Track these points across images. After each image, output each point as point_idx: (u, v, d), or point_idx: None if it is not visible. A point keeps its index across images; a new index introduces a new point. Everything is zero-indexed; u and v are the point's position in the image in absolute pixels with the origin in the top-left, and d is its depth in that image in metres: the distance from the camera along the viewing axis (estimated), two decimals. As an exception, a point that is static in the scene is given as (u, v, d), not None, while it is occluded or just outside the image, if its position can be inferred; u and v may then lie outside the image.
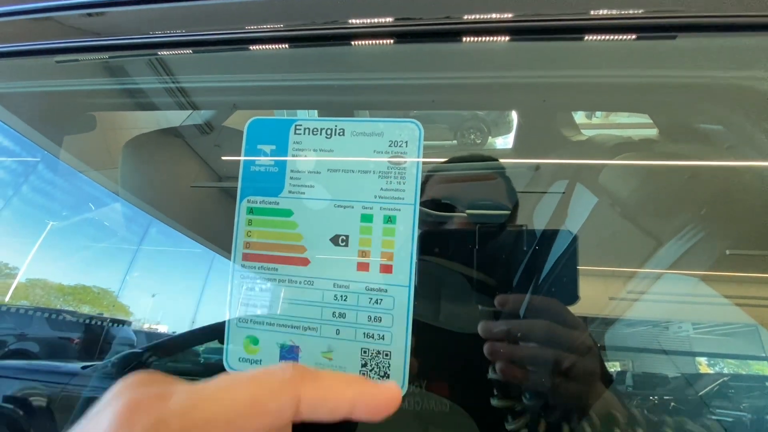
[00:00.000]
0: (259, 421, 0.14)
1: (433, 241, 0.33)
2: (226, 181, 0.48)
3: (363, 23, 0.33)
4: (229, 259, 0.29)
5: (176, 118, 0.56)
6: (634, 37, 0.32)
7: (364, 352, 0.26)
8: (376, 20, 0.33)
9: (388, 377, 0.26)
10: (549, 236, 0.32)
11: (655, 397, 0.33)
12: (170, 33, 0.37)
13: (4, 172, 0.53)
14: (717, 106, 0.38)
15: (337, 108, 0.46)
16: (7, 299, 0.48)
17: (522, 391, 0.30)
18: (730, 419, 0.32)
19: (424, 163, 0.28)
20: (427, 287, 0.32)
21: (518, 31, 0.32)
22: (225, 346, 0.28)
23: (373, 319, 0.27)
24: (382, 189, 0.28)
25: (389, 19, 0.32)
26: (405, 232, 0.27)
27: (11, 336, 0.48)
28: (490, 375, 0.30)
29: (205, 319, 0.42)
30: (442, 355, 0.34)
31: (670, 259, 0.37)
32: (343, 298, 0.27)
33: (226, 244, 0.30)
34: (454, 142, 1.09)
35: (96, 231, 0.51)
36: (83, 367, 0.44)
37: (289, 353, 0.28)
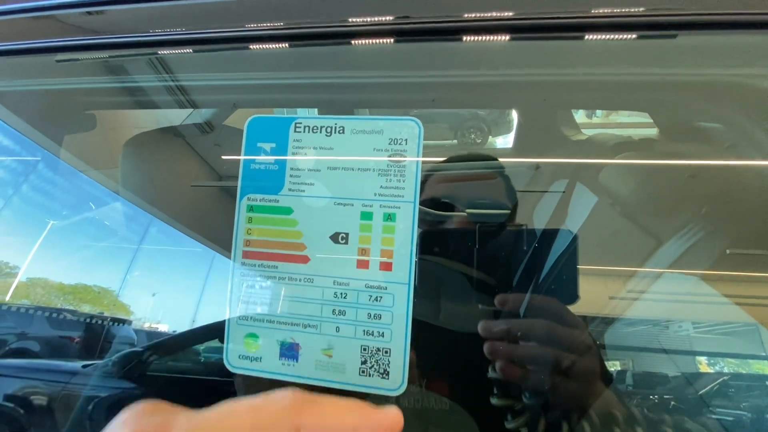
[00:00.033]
0: None
1: (433, 240, 0.33)
2: (226, 180, 0.48)
3: (363, 21, 0.33)
4: (229, 257, 0.29)
5: (177, 117, 0.56)
6: (634, 35, 0.32)
7: (364, 349, 0.27)
8: (376, 18, 0.33)
9: (387, 374, 0.26)
10: (549, 235, 0.32)
11: (656, 397, 0.33)
12: (170, 31, 0.37)
13: (5, 171, 0.53)
14: (717, 104, 0.38)
15: (337, 107, 0.46)
16: (7, 298, 0.48)
17: (522, 390, 0.30)
18: (731, 418, 0.32)
19: (423, 161, 0.28)
20: (427, 287, 0.32)
21: (519, 29, 0.32)
22: (225, 343, 0.28)
23: (372, 316, 0.27)
24: (381, 187, 0.28)
25: (389, 18, 0.32)
26: (405, 229, 0.27)
27: (12, 335, 0.48)
28: (490, 374, 0.30)
29: (205, 318, 0.42)
30: (442, 354, 0.34)
31: (670, 258, 0.37)
32: (343, 295, 0.27)
33: (226, 243, 0.30)
34: (455, 141, 1.09)
35: (96, 230, 0.51)
36: (84, 366, 0.45)
37: (289, 350, 0.28)
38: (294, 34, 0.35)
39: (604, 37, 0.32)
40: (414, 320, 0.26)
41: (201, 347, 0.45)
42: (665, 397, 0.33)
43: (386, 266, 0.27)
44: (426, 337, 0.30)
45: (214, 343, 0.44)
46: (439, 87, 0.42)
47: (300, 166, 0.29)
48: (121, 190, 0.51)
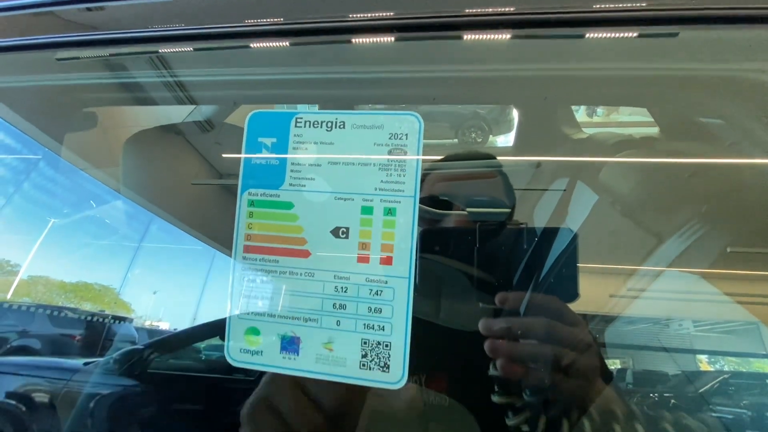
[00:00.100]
0: None
1: (434, 239, 0.33)
2: (227, 178, 0.48)
3: (363, 17, 0.33)
4: (230, 254, 0.29)
5: (177, 115, 0.56)
6: (635, 29, 0.32)
7: (365, 343, 0.27)
8: (376, 14, 0.33)
9: (388, 368, 0.26)
10: (549, 234, 0.32)
11: (656, 395, 0.33)
12: (170, 27, 0.37)
13: (6, 170, 0.53)
14: (719, 100, 0.38)
15: (338, 103, 0.46)
16: (9, 296, 0.49)
17: (522, 388, 0.30)
18: (731, 416, 0.32)
19: (424, 156, 0.28)
20: (427, 285, 0.32)
21: (520, 25, 0.32)
22: (226, 337, 0.28)
23: (373, 310, 0.27)
24: (382, 181, 0.28)
25: (390, 13, 0.32)
26: (405, 224, 0.27)
27: (14, 333, 0.48)
28: (491, 371, 0.30)
29: (206, 314, 0.42)
30: (443, 352, 0.34)
31: (670, 256, 0.37)
32: (344, 289, 0.27)
33: (226, 240, 0.30)
34: (455, 140, 1.09)
35: (97, 228, 0.51)
36: (85, 364, 0.45)
37: (289, 344, 0.28)
38: (294, 29, 0.35)
39: (605, 32, 0.32)
40: (415, 318, 0.26)
41: (201, 345, 0.45)
42: (665, 395, 0.33)
43: (386, 260, 0.27)
44: (427, 336, 0.30)
45: (215, 340, 0.44)
46: (440, 83, 0.42)
47: (301, 161, 0.29)
48: (122, 189, 0.51)
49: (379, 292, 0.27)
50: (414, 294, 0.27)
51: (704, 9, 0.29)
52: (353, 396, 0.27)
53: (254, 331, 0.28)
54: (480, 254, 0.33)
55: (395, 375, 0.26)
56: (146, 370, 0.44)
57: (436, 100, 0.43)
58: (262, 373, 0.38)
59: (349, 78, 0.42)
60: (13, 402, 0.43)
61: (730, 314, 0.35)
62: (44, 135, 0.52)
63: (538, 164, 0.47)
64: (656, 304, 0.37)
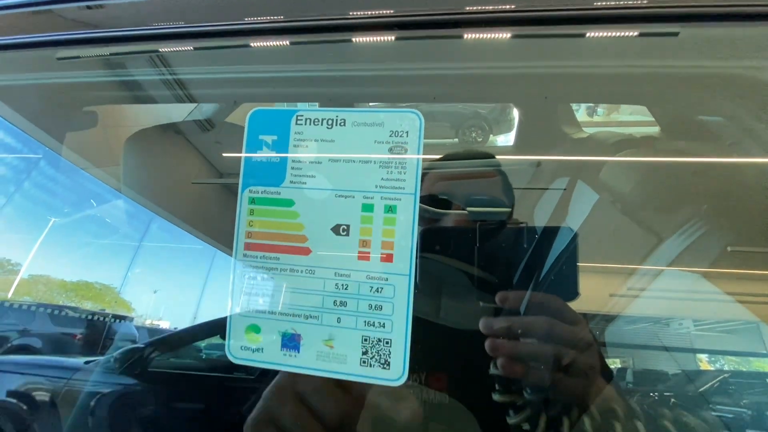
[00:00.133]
0: None
1: (434, 238, 0.33)
2: (227, 177, 0.49)
3: (363, 15, 0.33)
4: (230, 253, 0.29)
5: (178, 114, 0.56)
6: (635, 28, 0.31)
7: (365, 339, 0.27)
8: (376, 12, 0.33)
9: (388, 365, 0.26)
10: (549, 233, 0.32)
11: (656, 394, 0.33)
12: (170, 25, 0.37)
13: (7, 169, 0.53)
14: (720, 98, 0.37)
15: (338, 101, 0.46)
16: (10, 295, 0.49)
17: (523, 386, 0.30)
18: (731, 415, 0.32)
19: (424, 154, 0.28)
20: (428, 285, 0.32)
21: (520, 23, 0.32)
22: (227, 335, 0.28)
23: (373, 307, 0.27)
24: (382, 179, 0.28)
25: (390, 11, 0.32)
26: (405, 221, 0.28)
27: (15, 332, 0.48)
28: (492, 370, 0.30)
29: (206, 312, 0.42)
30: (443, 352, 0.34)
31: (671, 255, 0.37)
32: (344, 286, 0.28)
33: (226, 239, 0.30)
34: (456, 140, 1.09)
35: (98, 227, 0.51)
36: (86, 362, 0.45)
37: (290, 341, 0.28)
38: (294, 28, 0.35)
39: (605, 29, 0.32)
40: (416, 318, 0.26)
41: (202, 344, 0.45)
42: (666, 394, 0.33)
43: (387, 258, 0.27)
44: (428, 335, 0.30)
45: (215, 339, 0.44)
46: (440, 81, 0.42)
47: (301, 159, 0.29)
48: (123, 188, 0.51)
49: (379, 290, 0.27)
50: (414, 293, 0.27)
51: (705, 6, 0.28)
52: (355, 408, 0.27)
53: (255, 329, 0.28)
54: (480, 253, 0.33)
55: (396, 372, 0.26)
56: (147, 368, 0.44)
57: (436, 99, 0.43)
58: (262, 373, 0.38)
59: (349, 76, 0.42)
60: (15, 400, 0.43)
61: (731, 313, 0.35)
62: (45, 134, 0.52)
63: (539, 163, 0.47)
64: (656, 303, 0.37)
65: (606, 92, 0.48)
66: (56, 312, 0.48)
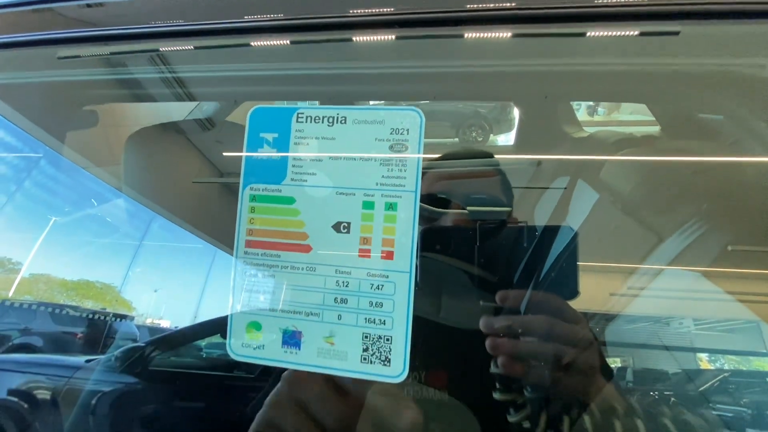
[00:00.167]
0: None
1: (434, 237, 0.33)
2: (227, 176, 0.49)
3: (363, 13, 0.33)
4: (231, 252, 0.29)
5: (178, 114, 0.56)
6: (636, 25, 0.31)
7: (366, 337, 0.27)
8: (376, 10, 0.33)
9: (389, 362, 0.26)
10: (549, 232, 0.32)
11: (656, 393, 0.33)
12: (170, 23, 0.37)
13: (8, 168, 0.54)
14: (721, 96, 0.37)
15: (338, 100, 0.46)
16: (11, 294, 0.49)
17: (523, 385, 0.30)
18: (731, 415, 0.32)
19: (425, 152, 0.28)
20: (428, 284, 0.32)
21: (521, 20, 0.31)
22: (228, 332, 0.28)
23: (374, 304, 0.27)
24: (383, 176, 0.28)
25: (390, 9, 0.32)
26: (406, 219, 0.28)
27: (16, 330, 0.48)
28: (492, 369, 0.30)
29: (206, 312, 0.42)
30: (444, 351, 0.34)
31: (671, 255, 0.37)
32: (345, 284, 0.28)
33: (227, 238, 0.30)
34: (456, 139, 1.09)
35: (98, 226, 0.51)
36: (87, 361, 0.45)
37: (291, 338, 0.28)
38: (294, 26, 0.35)
39: (606, 26, 0.32)
40: (416, 317, 0.27)
41: (202, 342, 0.45)
42: (666, 393, 0.33)
43: (387, 255, 0.27)
44: (429, 335, 0.30)
45: (216, 338, 0.44)
46: (441, 79, 0.42)
47: (302, 156, 0.29)
48: (124, 187, 0.52)
49: (380, 287, 0.27)
50: (415, 292, 0.27)
51: (705, 4, 0.28)
52: (355, 415, 0.27)
53: (256, 326, 0.28)
54: (480, 253, 0.33)
55: (396, 369, 0.26)
56: (147, 367, 0.44)
57: (437, 97, 0.43)
58: (262, 371, 0.38)
59: (349, 74, 0.42)
60: (16, 399, 0.43)
61: (731, 313, 0.35)
62: (46, 133, 0.52)
63: (539, 162, 0.47)
64: (657, 302, 0.37)
65: (606, 90, 0.48)
66: (57, 311, 0.48)
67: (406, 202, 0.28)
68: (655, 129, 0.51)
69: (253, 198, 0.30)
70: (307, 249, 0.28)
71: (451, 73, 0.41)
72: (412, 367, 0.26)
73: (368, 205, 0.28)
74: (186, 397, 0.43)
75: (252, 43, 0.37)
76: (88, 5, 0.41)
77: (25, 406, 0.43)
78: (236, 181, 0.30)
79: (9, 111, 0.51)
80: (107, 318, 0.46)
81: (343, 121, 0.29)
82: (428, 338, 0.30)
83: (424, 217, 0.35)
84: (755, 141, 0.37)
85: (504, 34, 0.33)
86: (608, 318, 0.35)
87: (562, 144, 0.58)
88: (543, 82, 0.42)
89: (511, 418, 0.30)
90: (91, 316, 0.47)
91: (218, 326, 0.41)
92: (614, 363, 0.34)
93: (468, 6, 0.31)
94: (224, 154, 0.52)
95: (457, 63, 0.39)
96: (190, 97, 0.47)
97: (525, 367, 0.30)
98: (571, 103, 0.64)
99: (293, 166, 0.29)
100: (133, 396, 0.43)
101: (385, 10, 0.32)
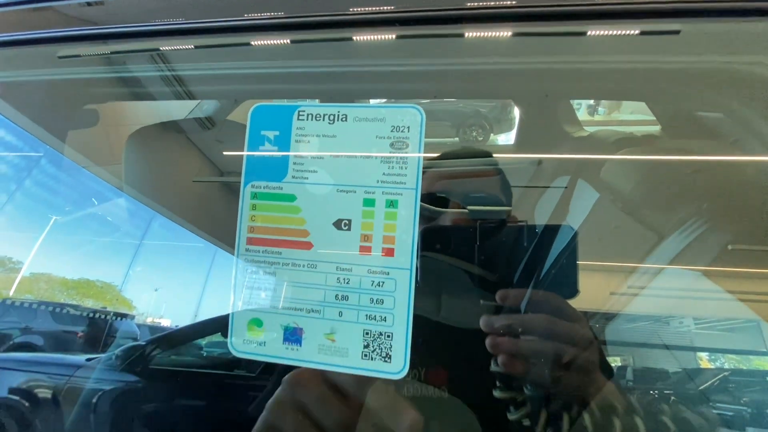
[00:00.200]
0: None
1: (435, 237, 0.33)
2: (227, 175, 0.49)
3: (364, 11, 0.33)
4: (231, 251, 0.30)
5: (179, 113, 0.56)
6: (636, 23, 0.31)
7: (367, 333, 0.27)
8: (377, 8, 0.33)
9: (390, 358, 0.26)
10: (549, 231, 0.32)
11: (656, 392, 0.34)
12: (171, 21, 0.37)
13: (8, 167, 0.54)
14: (722, 95, 0.37)
15: (338, 98, 0.46)
16: (11, 293, 0.49)
17: (524, 383, 0.30)
18: (731, 413, 0.32)
19: (425, 149, 0.28)
20: (429, 283, 0.32)
21: (522, 18, 0.31)
22: (229, 329, 0.29)
23: (375, 301, 0.27)
24: (384, 174, 0.28)
25: (391, 6, 0.32)
26: (407, 216, 0.28)
27: (17, 329, 0.49)
28: (493, 367, 0.30)
29: (207, 310, 0.42)
30: (445, 349, 0.34)
31: (672, 253, 0.37)
32: (346, 280, 0.28)
33: (227, 236, 0.30)
34: (456, 139, 1.09)
35: (99, 225, 0.51)
36: (88, 360, 0.45)
37: (292, 335, 0.28)
38: (294, 24, 0.35)
39: (606, 24, 0.32)
40: (417, 316, 0.27)
41: (203, 341, 0.45)
42: (666, 392, 0.34)
43: (388, 252, 0.28)
44: (429, 334, 0.30)
45: (216, 337, 0.44)
46: (442, 77, 0.42)
47: (303, 154, 0.30)
48: (125, 186, 0.52)
49: (380, 284, 0.27)
50: (415, 291, 0.27)
51: (706, 2, 0.28)
52: (355, 418, 0.27)
53: (257, 323, 0.28)
54: (480, 252, 0.33)
55: (397, 365, 0.26)
56: (148, 366, 0.44)
57: (437, 96, 0.43)
58: (262, 370, 0.38)
59: (349, 72, 0.42)
60: (17, 398, 0.43)
61: (731, 312, 0.35)
62: (47, 133, 0.52)
63: (540, 162, 0.47)
64: (657, 301, 0.37)
65: (607, 88, 0.48)
66: (58, 310, 0.48)
67: (406, 200, 0.28)
68: (656, 128, 0.51)
69: (254, 195, 0.30)
70: (308, 246, 0.28)
71: (452, 71, 0.41)
72: (413, 366, 0.26)
73: (369, 203, 0.28)
74: (186, 395, 0.43)
75: (252, 42, 0.37)
76: (89, 3, 0.41)
77: (26, 404, 0.43)
78: (236, 180, 0.30)
79: (10, 110, 0.51)
80: (108, 317, 0.46)
81: (343, 119, 0.29)
82: (429, 337, 0.30)
83: (424, 217, 0.35)
84: (756, 140, 0.37)
85: (505, 32, 0.33)
86: (609, 317, 0.35)
87: (562, 143, 0.58)
88: (543, 80, 0.42)
89: (511, 416, 0.30)
90: (91, 315, 0.47)
91: (218, 325, 0.41)
92: (615, 362, 0.34)
93: (468, 4, 0.31)
94: (224, 153, 0.52)
95: (458, 61, 0.39)
96: (191, 96, 0.47)
97: (525, 365, 0.30)
98: (572, 102, 0.64)
99: (294, 163, 0.29)
100: (134, 394, 0.43)
101: (385, 8, 0.32)
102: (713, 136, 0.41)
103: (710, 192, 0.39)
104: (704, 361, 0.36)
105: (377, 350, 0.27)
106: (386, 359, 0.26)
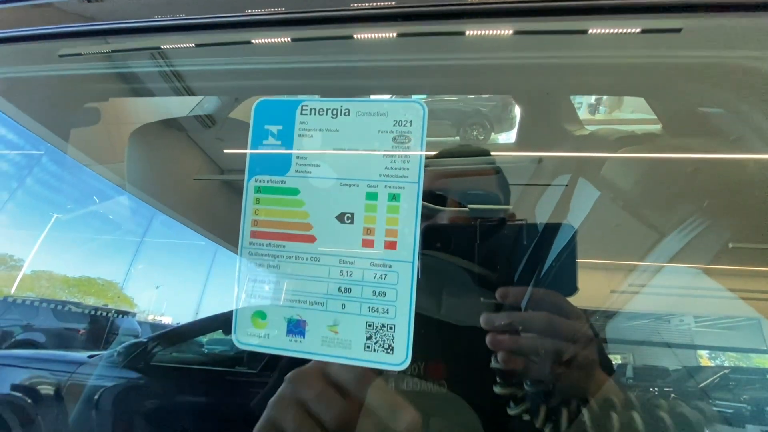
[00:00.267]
0: None
1: (435, 235, 0.34)
2: (228, 173, 0.49)
3: (364, 6, 0.33)
4: (232, 248, 0.30)
5: (180, 111, 0.56)
6: (637, 18, 0.31)
7: (369, 325, 0.27)
8: (378, 3, 0.33)
9: (392, 350, 0.27)
10: (549, 229, 0.32)
11: (656, 389, 0.34)
12: (172, 17, 0.37)
13: (10, 165, 0.54)
14: (723, 91, 0.37)
15: (340, 93, 0.46)
16: (13, 291, 0.49)
17: (524, 379, 0.30)
18: (731, 411, 0.32)
19: (427, 144, 0.29)
20: (430, 281, 0.32)
21: (524, 13, 0.31)
22: (233, 321, 0.29)
23: (377, 293, 0.27)
24: (386, 168, 0.28)
25: (392, 2, 0.32)
26: (409, 209, 0.28)
27: (19, 326, 0.49)
28: (493, 364, 0.30)
29: (208, 307, 0.42)
30: (446, 346, 0.34)
31: (672, 251, 0.37)
32: (349, 273, 0.28)
33: (228, 234, 0.30)
34: (457, 138, 1.09)
35: (100, 223, 0.51)
36: (90, 357, 0.45)
37: (296, 327, 0.28)
38: (296, 19, 0.35)
39: (607, 20, 0.32)
40: (419, 314, 0.27)
41: (204, 338, 0.45)
42: (666, 389, 0.34)
43: (391, 245, 0.28)
44: (430, 332, 0.30)
45: (217, 334, 0.44)
46: (443, 73, 0.42)
47: (306, 148, 0.30)
48: (127, 184, 0.52)
49: (383, 276, 0.27)
50: (417, 287, 0.27)
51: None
52: (356, 416, 0.28)
53: (261, 315, 0.29)
54: (481, 250, 0.33)
55: (399, 357, 0.27)
56: (149, 363, 0.44)
57: (439, 92, 0.43)
58: (263, 367, 0.38)
59: (350, 68, 0.42)
60: (20, 394, 0.43)
61: (732, 309, 0.35)
62: (48, 131, 0.53)
63: (540, 160, 0.47)
64: (658, 299, 0.37)
65: (608, 84, 0.48)
66: (59, 307, 0.48)
67: (408, 193, 0.28)
68: (657, 127, 0.51)
69: (258, 189, 0.30)
70: (311, 239, 0.29)
71: (453, 66, 0.41)
72: (415, 363, 0.26)
73: (371, 196, 0.28)
74: (188, 392, 0.43)
75: (253, 38, 0.37)
76: (89, 0, 0.41)
77: (29, 401, 0.43)
78: (237, 178, 0.30)
79: (11, 108, 0.51)
80: (109, 314, 0.46)
81: (346, 113, 0.29)
82: (430, 335, 0.30)
83: (424, 215, 0.35)
84: (757, 137, 0.37)
85: (505, 27, 0.33)
86: (609, 315, 0.35)
87: (563, 142, 0.58)
88: (544, 75, 0.42)
89: (511, 411, 0.30)
90: (93, 312, 0.47)
91: (220, 322, 0.41)
92: (615, 359, 0.34)
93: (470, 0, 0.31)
94: (225, 151, 0.52)
95: (459, 56, 0.39)
96: (192, 92, 0.47)
97: (525, 362, 0.30)
98: (573, 101, 0.64)
99: (297, 157, 0.30)
100: (135, 391, 0.43)
101: (386, 3, 0.32)
102: (714, 133, 0.41)
103: (711, 190, 0.39)
104: (704, 358, 0.36)
105: (380, 342, 0.27)
106: (389, 351, 0.27)
